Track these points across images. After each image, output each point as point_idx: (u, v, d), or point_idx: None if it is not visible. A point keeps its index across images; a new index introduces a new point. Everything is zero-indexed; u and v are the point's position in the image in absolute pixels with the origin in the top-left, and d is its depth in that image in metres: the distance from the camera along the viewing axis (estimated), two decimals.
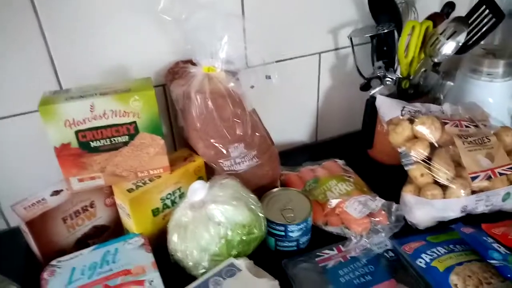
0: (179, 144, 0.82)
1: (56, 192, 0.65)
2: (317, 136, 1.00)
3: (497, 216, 0.73)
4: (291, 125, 0.95)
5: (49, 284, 0.58)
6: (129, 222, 0.67)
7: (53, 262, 0.62)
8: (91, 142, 0.61)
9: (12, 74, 0.68)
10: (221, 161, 0.69)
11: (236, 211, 0.61)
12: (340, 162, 0.86)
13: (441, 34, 0.78)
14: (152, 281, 0.58)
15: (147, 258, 0.61)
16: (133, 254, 0.62)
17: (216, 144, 0.68)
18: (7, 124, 0.70)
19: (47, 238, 0.63)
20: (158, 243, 0.66)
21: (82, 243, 0.68)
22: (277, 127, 0.92)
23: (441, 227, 0.72)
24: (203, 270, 0.60)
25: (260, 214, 0.63)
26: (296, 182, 0.80)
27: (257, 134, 0.71)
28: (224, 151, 0.68)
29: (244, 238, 0.61)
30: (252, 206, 0.63)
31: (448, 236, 0.69)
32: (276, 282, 0.57)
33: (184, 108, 0.68)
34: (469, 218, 0.73)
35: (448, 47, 0.78)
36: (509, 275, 0.60)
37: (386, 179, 0.80)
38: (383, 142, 0.86)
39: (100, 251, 0.63)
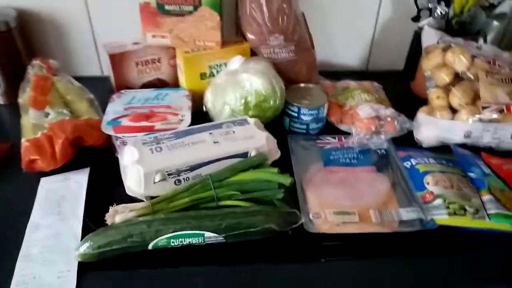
0: (240, 35, 0.96)
1: (136, 43, 0.85)
2: (368, 65, 1.07)
3: (506, 156, 0.77)
4: (343, 47, 1.04)
5: (115, 102, 0.80)
6: (181, 79, 0.85)
7: (122, 91, 0.83)
8: (165, 5, 0.79)
9: None
10: (262, 47, 0.83)
11: (259, 81, 0.75)
12: (376, 84, 0.94)
13: None
14: (184, 115, 0.75)
15: (186, 103, 0.79)
16: (178, 99, 0.81)
17: (260, 31, 0.81)
18: None
19: (121, 74, 0.85)
20: (200, 103, 0.83)
21: (145, 88, 0.88)
22: (329, 46, 1.02)
23: (444, 148, 0.77)
24: (223, 120, 0.76)
25: (278, 90, 0.77)
26: (328, 88, 0.90)
27: (297, 32, 0.82)
28: (266, 38, 0.81)
29: (260, 104, 0.75)
30: (274, 82, 0.76)
31: (445, 155, 0.75)
32: (271, 136, 0.71)
33: None
34: (477, 151, 0.77)
35: None
36: (480, 187, 0.65)
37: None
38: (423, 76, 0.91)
39: (156, 91, 0.83)
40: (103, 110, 0.79)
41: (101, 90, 0.88)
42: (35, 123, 0.72)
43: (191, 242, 0.57)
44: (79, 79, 0.87)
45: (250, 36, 0.83)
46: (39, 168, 0.69)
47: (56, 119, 0.72)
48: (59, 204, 0.66)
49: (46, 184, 0.69)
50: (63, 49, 0.98)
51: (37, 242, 0.60)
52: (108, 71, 0.91)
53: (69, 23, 0.95)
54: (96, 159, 0.74)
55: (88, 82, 0.87)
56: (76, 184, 0.69)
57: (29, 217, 0.64)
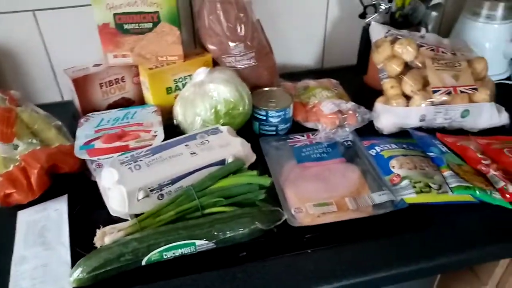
0: (199, 47, 0.99)
1: (97, 65, 0.86)
2: (323, 63, 1.13)
3: (458, 134, 0.84)
4: (298, 49, 1.09)
5: (84, 125, 0.79)
6: (148, 95, 0.86)
7: (89, 114, 0.83)
8: (124, 25, 0.80)
9: None
10: (224, 57, 0.86)
11: (226, 90, 0.78)
12: (334, 81, 0.99)
13: None
14: (156, 131, 0.77)
15: (156, 119, 0.80)
16: (147, 116, 0.82)
17: (220, 41, 0.84)
18: (58, 14, 0.90)
19: (86, 97, 0.85)
20: (169, 117, 0.84)
21: (112, 108, 0.88)
22: (285, 50, 1.06)
23: (403, 133, 0.83)
24: (196, 131, 0.78)
25: (245, 96, 0.80)
26: (290, 89, 0.94)
27: (256, 38, 0.86)
28: (226, 48, 0.84)
29: (230, 111, 0.78)
30: (240, 89, 0.80)
31: (405, 139, 0.81)
32: (245, 141, 0.73)
33: (199, 10, 0.85)
34: (432, 132, 0.83)
35: None
36: (440, 164, 0.72)
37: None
38: (376, 68, 0.97)
39: (124, 111, 0.84)
40: (72, 136, 0.79)
41: (65, 115, 0.87)
42: (5, 157, 0.70)
43: (183, 253, 0.59)
44: (39, 106, 0.85)
45: (211, 47, 0.85)
46: (16, 201, 0.68)
47: (27, 150, 0.71)
48: (41, 234, 0.65)
49: (24, 217, 0.68)
50: (19, 78, 0.96)
51: (26, 275, 0.59)
52: (70, 95, 0.91)
53: (24, 51, 0.93)
54: (71, 185, 0.74)
55: (50, 108, 0.86)
56: (56, 212, 0.68)
57: (11, 252, 0.63)
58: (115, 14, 0.78)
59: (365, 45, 0.97)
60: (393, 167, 0.72)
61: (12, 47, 0.92)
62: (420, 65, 0.84)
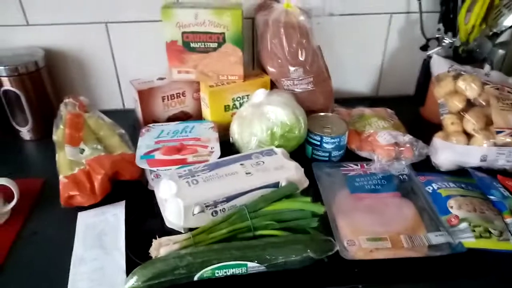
0: (257, 68, 1.01)
1: (161, 79, 0.89)
2: (378, 91, 1.12)
3: None
4: (354, 76, 1.09)
5: (145, 135, 0.83)
6: (206, 111, 0.89)
7: (150, 124, 0.87)
8: (191, 43, 0.83)
9: None
10: (283, 79, 0.87)
11: (283, 113, 0.79)
12: (390, 111, 0.98)
13: (504, 6, 0.85)
14: (213, 147, 0.79)
15: (214, 135, 0.83)
16: (205, 131, 0.84)
17: (281, 64, 0.86)
18: (128, 28, 0.95)
19: (149, 108, 0.88)
20: (224, 134, 0.86)
21: (171, 121, 0.92)
22: (340, 75, 1.07)
23: (461, 172, 0.81)
24: (251, 151, 0.80)
25: (301, 120, 0.80)
26: (345, 115, 0.94)
27: (315, 64, 0.87)
28: (286, 71, 0.86)
29: (285, 134, 0.79)
30: (297, 113, 0.80)
31: (464, 179, 0.78)
32: (298, 165, 0.74)
33: (262, 33, 0.87)
34: (493, 173, 0.80)
35: (509, 20, 0.85)
36: (502, 209, 0.69)
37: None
38: (434, 101, 0.96)
39: (182, 124, 0.86)
40: (133, 144, 0.82)
41: (125, 122, 0.91)
42: (71, 160, 0.74)
43: (234, 273, 0.60)
44: (102, 113, 0.89)
45: (271, 69, 0.87)
46: (78, 203, 0.72)
47: (92, 155, 0.75)
48: (99, 237, 0.68)
49: (84, 219, 0.71)
50: (86, 85, 1.02)
51: (84, 276, 0.61)
52: (132, 104, 0.95)
53: (93, 60, 0.99)
54: (129, 192, 0.77)
55: (111, 115, 0.90)
56: (114, 217, 0.71)
57: (70, 252, 0.66)
58: (183, 32, 0.82)
59: (425, 77, 0.96)
60: (451, 207, 0.70)
61: (83, 55, 0.98)
62: (483, 103, 0.82)
